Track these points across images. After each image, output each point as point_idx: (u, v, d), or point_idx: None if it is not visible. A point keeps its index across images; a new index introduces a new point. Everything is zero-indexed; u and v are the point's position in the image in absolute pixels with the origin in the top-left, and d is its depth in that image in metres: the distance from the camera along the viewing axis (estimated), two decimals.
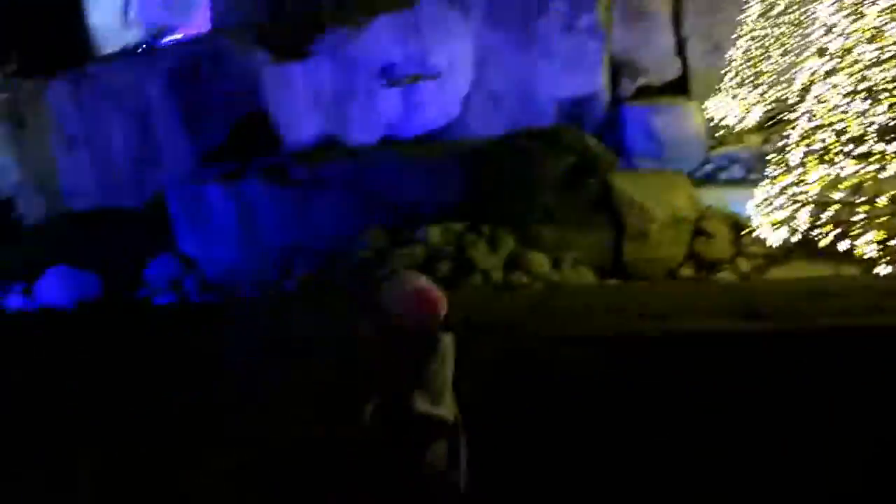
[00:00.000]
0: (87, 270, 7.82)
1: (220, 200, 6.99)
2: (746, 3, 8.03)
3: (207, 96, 8.55)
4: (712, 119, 8.63)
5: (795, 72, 7.99)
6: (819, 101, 5.71)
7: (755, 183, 7.27)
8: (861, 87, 5.35)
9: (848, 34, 5.54)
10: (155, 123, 8.95)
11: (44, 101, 9.49)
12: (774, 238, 6.48)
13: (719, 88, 8.57)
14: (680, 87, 9.09)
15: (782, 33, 7.81)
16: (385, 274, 2.01)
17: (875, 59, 5.31)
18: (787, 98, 8.05)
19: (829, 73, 5.59)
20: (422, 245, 6.06)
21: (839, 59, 5.55)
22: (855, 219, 5.42)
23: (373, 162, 6.51)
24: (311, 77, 8.22)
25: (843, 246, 5.27)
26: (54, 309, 7.12)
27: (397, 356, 2.25)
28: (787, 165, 6.64)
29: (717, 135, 8.48)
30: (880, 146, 5.13)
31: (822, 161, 5.63)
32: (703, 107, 8.66)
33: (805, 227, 6.40)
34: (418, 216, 6.37)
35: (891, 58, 5.22)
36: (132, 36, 12.19)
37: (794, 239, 6.47)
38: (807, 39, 7.28)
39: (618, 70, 8.93)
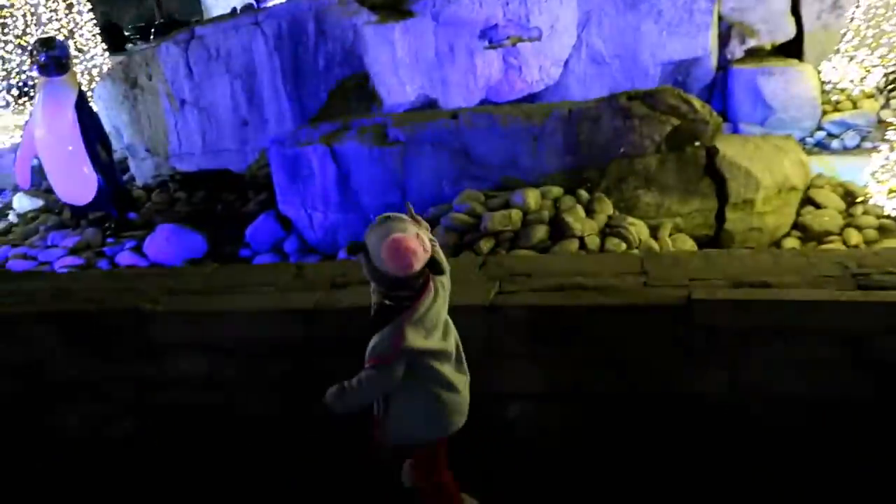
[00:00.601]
0: (193, 230, 8.09)
1: (320, 161, 7.08)
2: None
3: (311, 57, 8.65)
4: (827, 83, 8.24)
5: None
6: None
7: (870, 151, 6.95)
8: None
9: None
10: (260, 85, 9.13)
11: (155, 63, 9.82)
12: (890, 207, 6.19)
13: (837, 50, 8.16)
14: (792, 50, 8.68)
15: None
16: (378, 219, 2.51)
17: None
18: None
19: None
20: (518, 209, 6.00)
21: None
22: None
23: (471, 123, 6.45)
24: (411, 38, 8.22)
25: None
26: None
27: (388, 296, 2.50)
28: None
29: (832, 99, 8.09)
30: None
31: None
32: (818, 70, 8.26)
33: None
34: (516, 179, 6.32)
35: None
36: None
37: None
38: None
39: (726, 31, 8.59)
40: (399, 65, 8.28)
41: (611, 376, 3.25)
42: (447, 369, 2.60)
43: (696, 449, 3.19)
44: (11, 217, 9.98)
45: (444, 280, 2.59)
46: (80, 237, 8.49)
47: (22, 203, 10.19)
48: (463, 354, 2.70)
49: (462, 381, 2.68)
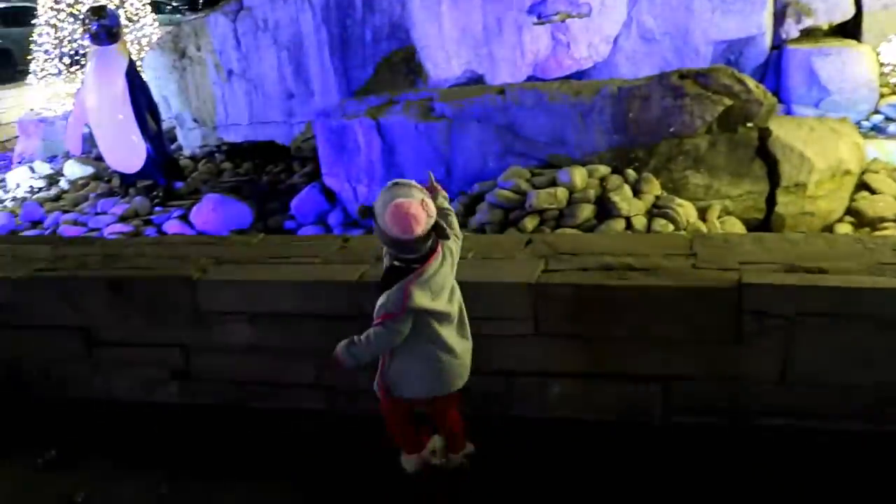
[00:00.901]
0: (239, 200, 8.17)
1: (365, 135, 7.08)
2: None
3: (358, 29, 8.63)
4: (886, 65, 8.00)
5: None
6: None
7: None
8: None
9: None
10: (306, 57, 9.14)
11: (204, 34, 9.89)
12: None
13: None
14: (850, 30, 8.43)
15: None
16: (388, 185, 2.65)
17: None
18: None
19: None
20: (564, 187, 5.94)
21: None
22: None
23: (518, 100, 6.39)
24: (458, 12, 8.14)
25: None
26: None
27: (398, 258, 2.65)
28: None
29: (891, 82, 7.85)
30: None
31: None
32: (877, 51, 8.02)
33: None
34: (562, 157, 6.25)
35: None
36: None
37: None
38: None
39: (782, 9, 8.36)
40: (446, 39, 8.22)
41: (657, 358, 3.21)
42: (448, 332, 2.74)
43: (741, 436, 3.15)
44: (62, 183, 10.16)
45: (453, 246, 2.73)
46: (128, 205, 8.62)
47: (73, 170, 10.36)
48: (467, 321, 2.83)
49: (462, 346, 2.80)
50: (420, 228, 2.54)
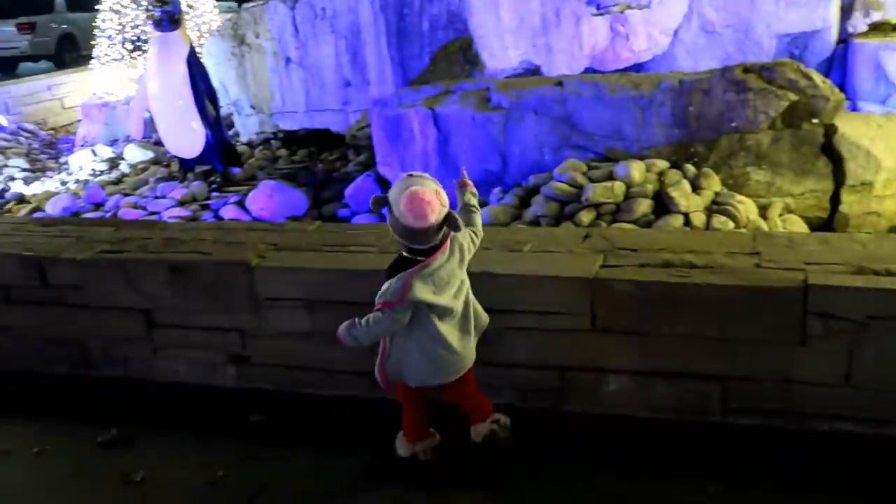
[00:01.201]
0: (295, 187, 8.24)
1: (421, 124, 7.08)
2: None
3: (416, 19, 8.63)
4: None
5: None
6: None
7: None
8: None
9: None
10: (363, 46, 9.18)
11: (263, 21, 9.99)
12: None
13: None
14: None
15: None
16: (404, 176, 2.73)
17: None
18: None
19: None
20: (621, 181, 5.87)
21: None
22: None
23: (576, 91, 6.32)
24: (517, 3, 8.08)
25: None
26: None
27: (408, 249, 2.70)
28: None
29: None
30: None
31: None
32: None
33: None
34: (620, 150, 6.17)
35: None
36: None
37: None
38: None
39: (849, 2, 8.12)
40: (504, 29, 8.15)
41: (716, 357, 3.16)
42: (449, 328, 2.79)
43: (801, 439, 3.09)
44: (123, 167, 10.38)
45: (464, 242, 2.79)
46: (186, 190, 8.75)
47: (133, 154, 10.58)
48: (472, 317, 2.86)
49: (462, 342, 2.84)
50: (434, 216, 2.59)
